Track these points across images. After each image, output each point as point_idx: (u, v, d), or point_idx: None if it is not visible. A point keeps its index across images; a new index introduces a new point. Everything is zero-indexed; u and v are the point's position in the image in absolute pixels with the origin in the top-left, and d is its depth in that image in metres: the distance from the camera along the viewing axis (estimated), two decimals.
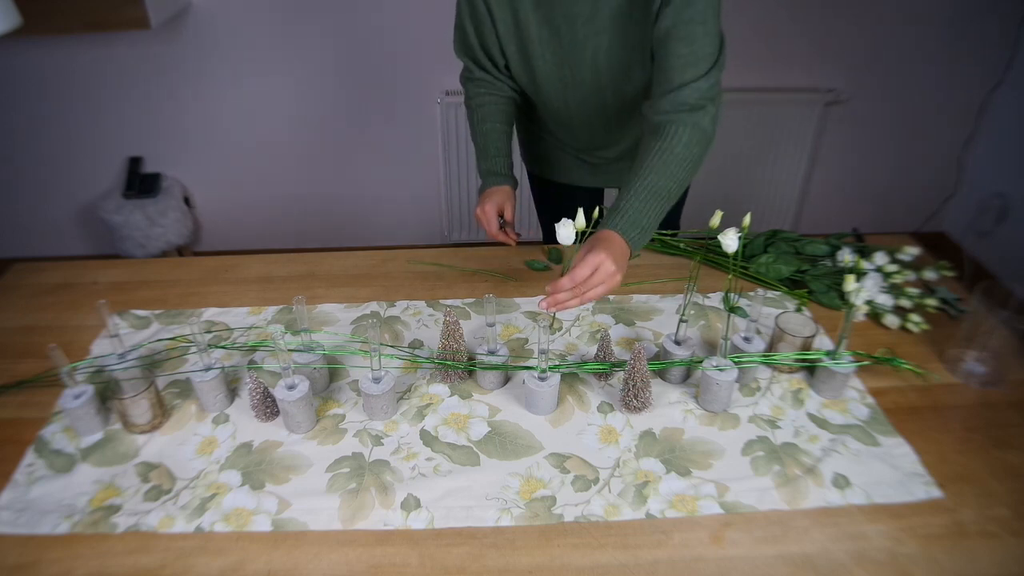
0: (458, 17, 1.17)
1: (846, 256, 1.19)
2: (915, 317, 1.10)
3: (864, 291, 0.91)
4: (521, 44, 1.14)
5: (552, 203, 1.53)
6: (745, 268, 1.22)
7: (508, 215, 1.21)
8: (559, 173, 1.45)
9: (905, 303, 1.12)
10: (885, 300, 1.12)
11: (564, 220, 0.86)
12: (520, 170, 2.44)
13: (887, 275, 1.16)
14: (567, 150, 1.39)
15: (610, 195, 1.52)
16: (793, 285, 1.21)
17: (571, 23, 1.07)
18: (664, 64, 1.02)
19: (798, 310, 1.15)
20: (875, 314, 1.13)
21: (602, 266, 0.89)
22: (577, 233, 0.90)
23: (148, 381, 0.92)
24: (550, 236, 1.59)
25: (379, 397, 0.92)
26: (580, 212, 0.84)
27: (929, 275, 1.19)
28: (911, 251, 1.20)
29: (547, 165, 1.45)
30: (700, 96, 1.02)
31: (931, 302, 1.12)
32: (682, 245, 1.31)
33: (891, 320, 1.11)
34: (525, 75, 1.20)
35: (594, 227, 0.99)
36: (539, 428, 0.93)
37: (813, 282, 1.18)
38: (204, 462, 0.89)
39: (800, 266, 1.20)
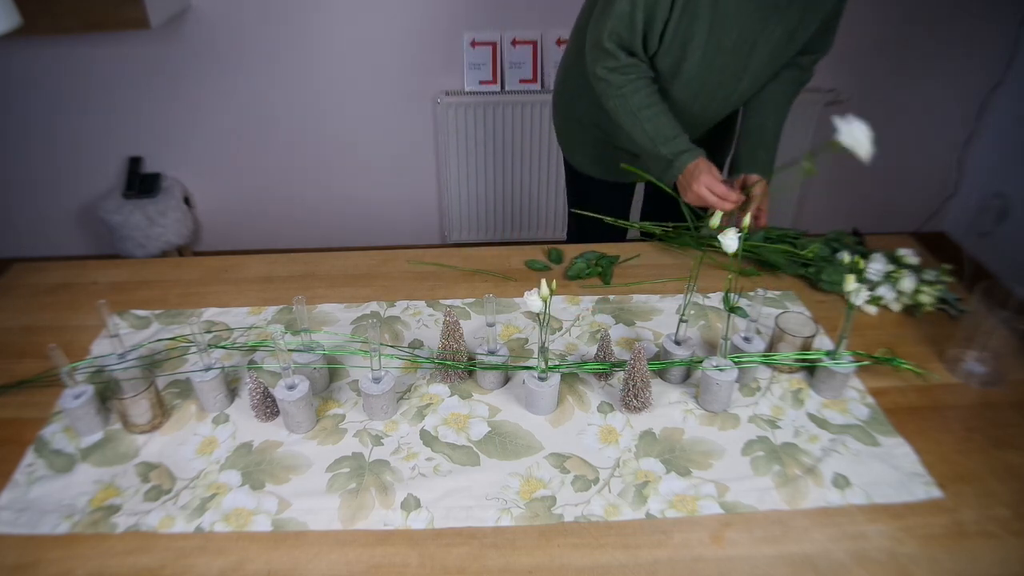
0: (625, 3, 1.13)
1: (845, 256, 1.19)
2: (923, 296, 1.12)
3: (865, 283, 0.96)
4: (689, 26, 1.12)
5: (586, 198, 1.56)
6: (748, 251, 1.25)
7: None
8: (606, 170, 1.46)
9: (906, 289, 1.14)
10: (886, 291, 1.13)
11: (531, 290, 0.87)
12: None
13: (888, 277, 1.16)
14: (620, 146, 1.40)
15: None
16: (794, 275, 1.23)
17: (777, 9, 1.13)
18: (828, 31, 1.26)
19: (808, 168, 1.12)
20: (875, 299, 1.15)
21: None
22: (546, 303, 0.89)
23: (148, 381, 0.92)
24: (575, 234, 1.60)
25: (379, 397, 0.92)
26: (543, 282, 0.85)
27: (929, 276, 1.19)
28: (909, 258, 1.20)
29: (600, 164, 1.46)
30: (811, 64, 1.31)
31: (928, 290, 1.13)
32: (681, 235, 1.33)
33: (893, 304, 1.13)
34: (672, 58, 1.18)
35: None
36: (539, 428, 0.93)
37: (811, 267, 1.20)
38: (204, 462, 0.89)
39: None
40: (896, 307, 1.14)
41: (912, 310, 1.14)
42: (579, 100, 1.41)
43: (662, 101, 1.23)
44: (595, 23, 1.19)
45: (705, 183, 1.17)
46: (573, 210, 1.55)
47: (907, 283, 1.13)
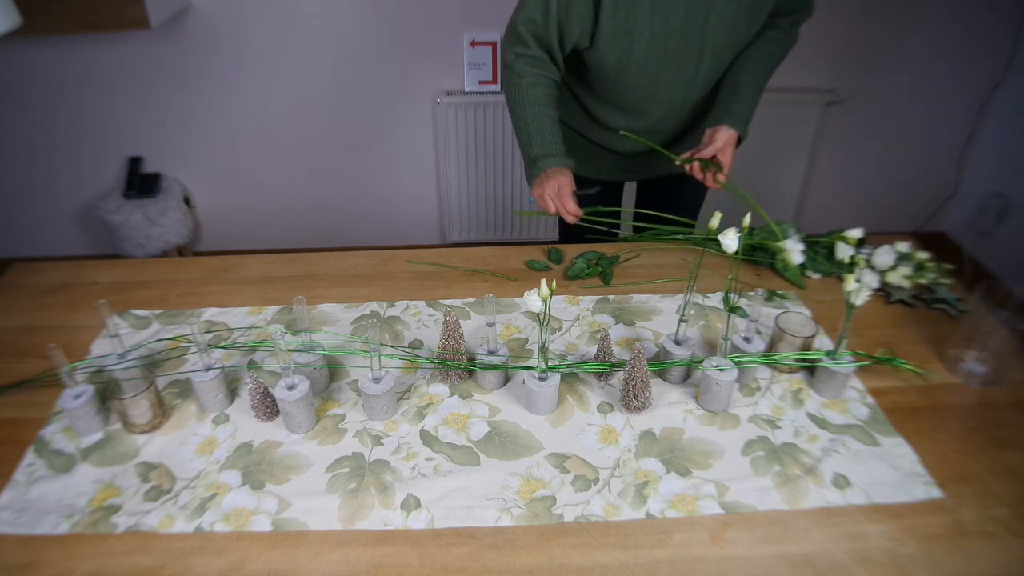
0: None
1: (846, 255, 1.19)
2: (908, 283, 1.15)
3: (868, 282, 0.98)
4: (629, 12, 1.13)
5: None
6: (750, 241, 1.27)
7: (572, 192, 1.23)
8: (590, 169, 1.47)
9: (903, 283, 1.16)
10: (871, 280, 1.15)
11: (531, 290, 0.87)
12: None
13: (884, 272, 1.17)
14: (600, 143, 1.41)
15: (628, 188, 1.59)
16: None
17: None
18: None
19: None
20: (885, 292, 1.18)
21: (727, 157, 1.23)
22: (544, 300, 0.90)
23: (148, 381, 0.92)
24: (564, 235, 1.60)
25: (379, 397, 0.92)
26: (543, 282, 0.86)
27: (929, 274, 1.19)
28: (904, 248, 1.21)
29: (581, 161, 1.47)
30: (792, 26, 1.26)
31: (919, 275, 1.16)
32: (681, 237, 1.33)
33: (893, 277, 1.16)
34: (619, 48, 1.18)
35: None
36: (539, 428, 0.93)
37: (809, 251, 1.22)
38: (204, 462, 0.89)
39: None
40: (895, 278, 1.16)
41: (895, 291, 1.17)
42: (563, 100, 1.41)
43: (554, 108, 1.24)
44: (515, 10, 1.21)
45: (554, 187, 1.20)
46: (551, 248, 1.54)
47: (882, 259, 1.14)
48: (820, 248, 1.25)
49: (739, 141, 1.25)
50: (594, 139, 1.41)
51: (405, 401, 0.98)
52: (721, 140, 1.21)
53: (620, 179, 1.50)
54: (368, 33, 2.26)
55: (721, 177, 1.22)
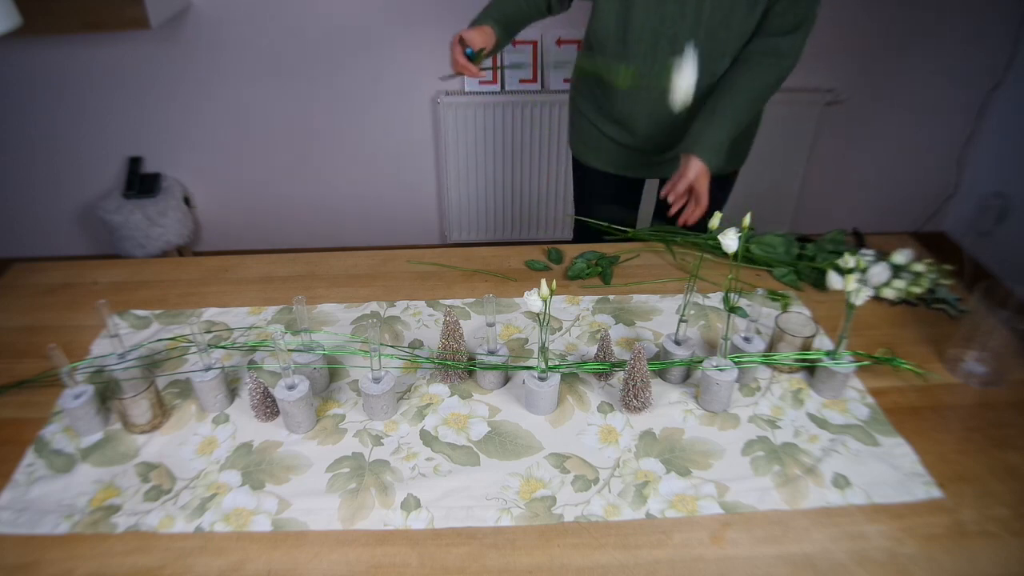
0: None
1: (847, 257, 1.19)
2: (913, 287, 1.14)
3: (867, 285, 0.97)
4: None
5: (589, 191, 1.58)
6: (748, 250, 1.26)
7: (475, 45, 1.23)
8: (604, 161, 1.49)
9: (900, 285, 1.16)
10: (867, 293, 1.15)
11: (531, 290, 0.87)
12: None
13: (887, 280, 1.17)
14: (611, 137, 1.44)
15: (649, 185, 1.59)
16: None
17: None
18: (771, 16, 1.19)
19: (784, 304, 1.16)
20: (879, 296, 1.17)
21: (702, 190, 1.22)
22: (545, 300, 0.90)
23: (148, 381, 0.92)
24: (580, 235, 1.60)
25: (379, 397, 0.92)
26: (543, 282, 0.86)
27: (929, 277, 1.19)
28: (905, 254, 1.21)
29: (594, 152, 1.49)
30: (791, 47, 1.24)
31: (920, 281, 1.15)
32: (679, 240, 1.33)
33: (889, 293, 1.14)
34: (620, 13, 1.21)
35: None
36: (539, 428, 0.93)
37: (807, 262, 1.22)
38: (204, 462, 0.89)
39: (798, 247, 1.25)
40: (891, 294, 1.15)
41: (893, 301, 1.16)
42: (580, 89, 1.46)
43: (519, 7, 1.30)
44: None
45: (458, 36, 1.21)
46: (578, 217, 1.56)
47: (878, 278, 1.14)
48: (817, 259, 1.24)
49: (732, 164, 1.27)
50: (606, 132, 1.44)
51: (405, 401, 0.98)
52: (692, 172, 1.21)
53: (635, 175, 1.50)
54: (368, 33, 2.26)
55: (697, 213, 1.23)
